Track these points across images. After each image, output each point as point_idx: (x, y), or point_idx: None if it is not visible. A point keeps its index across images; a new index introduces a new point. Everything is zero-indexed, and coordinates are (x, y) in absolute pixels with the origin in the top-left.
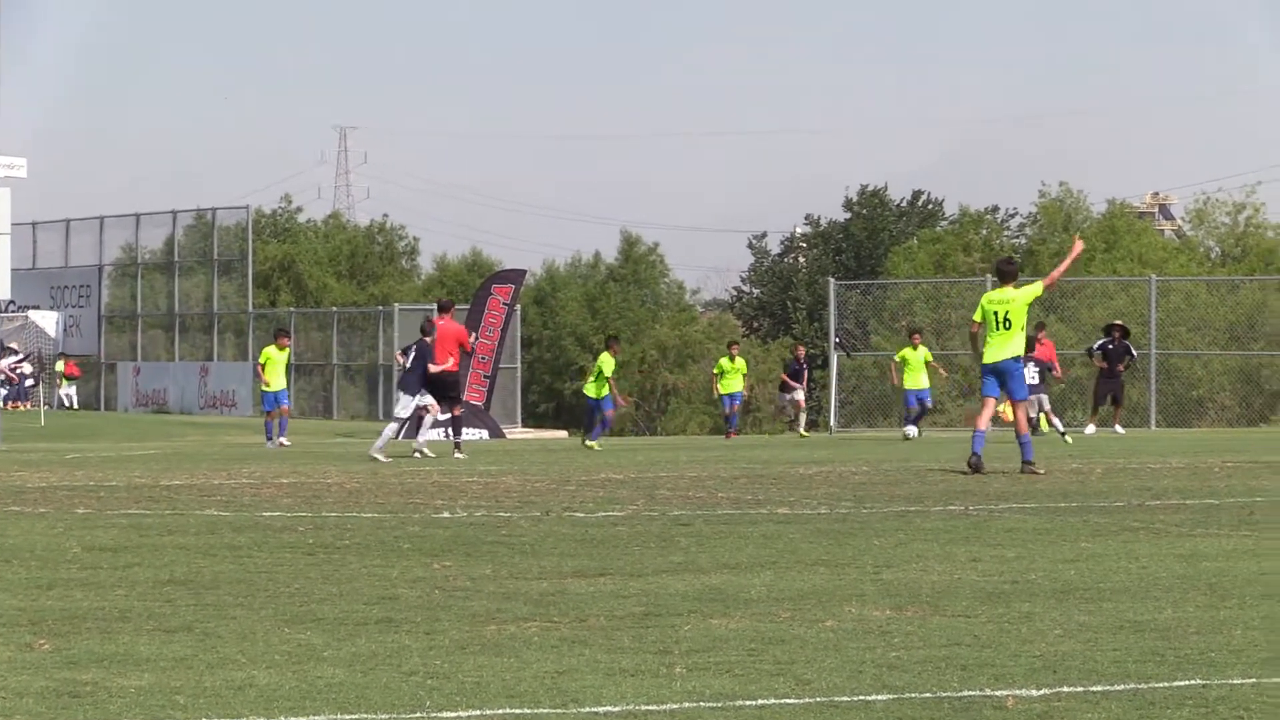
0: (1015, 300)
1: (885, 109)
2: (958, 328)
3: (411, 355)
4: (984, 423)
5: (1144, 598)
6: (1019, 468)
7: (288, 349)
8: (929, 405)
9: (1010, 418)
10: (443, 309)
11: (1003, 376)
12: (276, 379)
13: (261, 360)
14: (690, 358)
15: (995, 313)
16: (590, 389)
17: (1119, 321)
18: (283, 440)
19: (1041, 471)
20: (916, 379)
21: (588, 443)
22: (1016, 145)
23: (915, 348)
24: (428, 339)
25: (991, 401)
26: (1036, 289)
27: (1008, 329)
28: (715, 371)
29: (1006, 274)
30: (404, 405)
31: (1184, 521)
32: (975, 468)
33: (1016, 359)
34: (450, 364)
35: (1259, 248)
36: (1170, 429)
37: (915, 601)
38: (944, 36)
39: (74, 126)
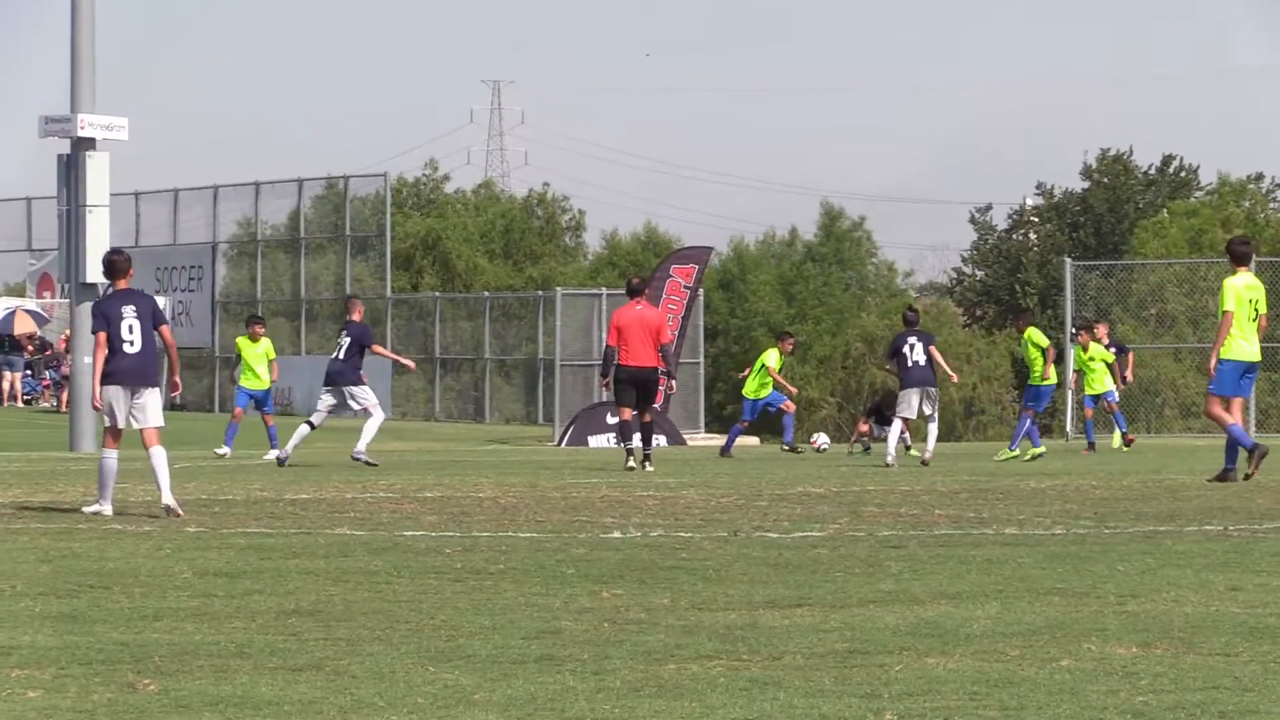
0: (1261, 290)
1: (1134, 55)
2: (1215, 317)
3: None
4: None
5: None
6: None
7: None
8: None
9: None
10: (635, 291)
11: (1247, 376)
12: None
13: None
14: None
15: (1251, 300)
16: (749, 388)
17: None
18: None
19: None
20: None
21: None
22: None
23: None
24: None
25: (1240, 402)
26: None
27: (1254, 321)
28: (1076, 369)
29: (1246, 256)
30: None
31: None
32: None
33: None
34: (649, 358)
35: None
36: None
37: (1166, 637)
38: None
39: (184, 81)
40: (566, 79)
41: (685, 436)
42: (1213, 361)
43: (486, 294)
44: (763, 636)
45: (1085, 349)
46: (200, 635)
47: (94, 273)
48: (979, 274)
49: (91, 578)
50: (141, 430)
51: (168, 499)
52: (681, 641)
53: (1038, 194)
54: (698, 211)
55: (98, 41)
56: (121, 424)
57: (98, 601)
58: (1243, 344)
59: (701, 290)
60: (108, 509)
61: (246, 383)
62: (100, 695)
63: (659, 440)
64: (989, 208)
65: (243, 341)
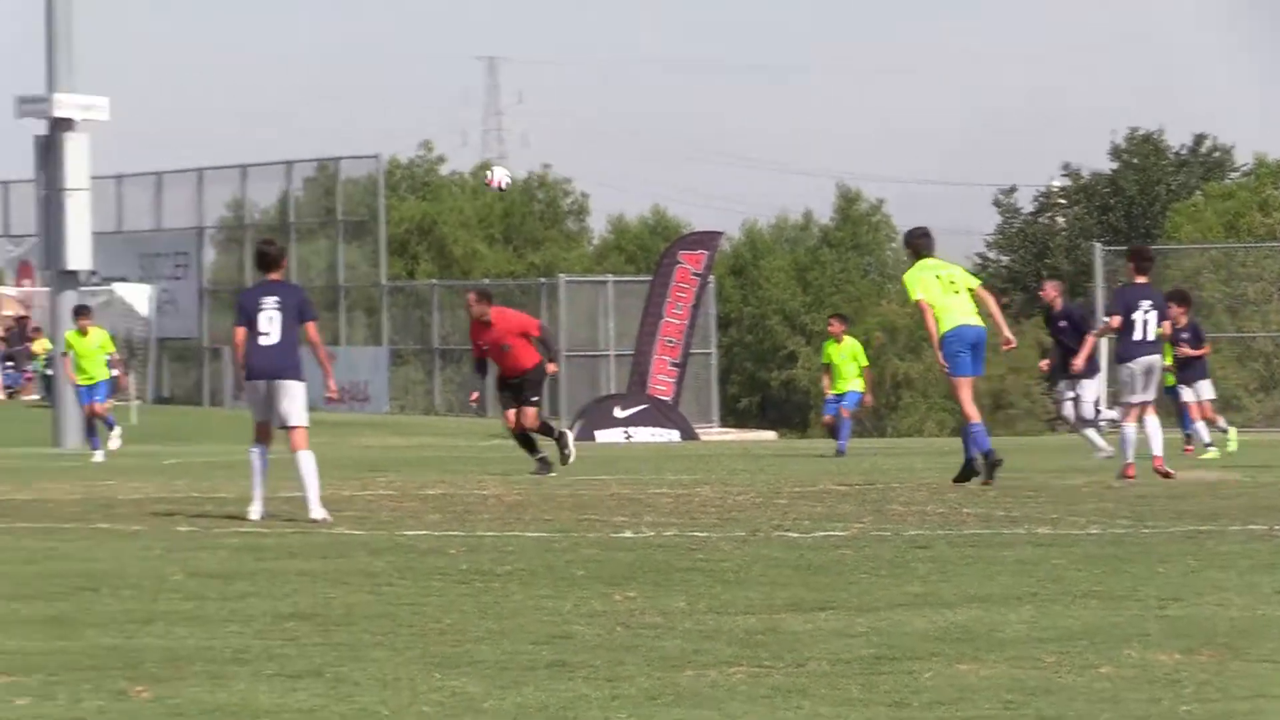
0: (953, 267)
1: (1168, 26)
2: (1257, 304)
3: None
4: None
5: None
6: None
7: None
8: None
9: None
10: (488, 297)
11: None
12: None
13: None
14: (925, 340)
15: (939, 276)
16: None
17: None
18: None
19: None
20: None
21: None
22: None
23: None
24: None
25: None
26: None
27: (959, 294)
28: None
29: (927, 248)
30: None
31: None
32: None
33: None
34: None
35: None
36: None
37: (1210, 643)
38: None
39: (167, 58)
40: (568, 55)
41: (699, 431)
42: (938, 354)
43: (486, 281)
44: (785, 642)
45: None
46: (194, 640)
47: (75, 259)
48: (1004, 260)
49: (79, 579)
50: (288, 433)
51: (317, 511)
52: (699, 647)
53: (1064, 175)
54: (708, 195)
55: (75, 16)
56: (261, 417)
57: (86, 604)
58: (954, 315)
59: (712, 277)
60: (254, 512)
61: (81, 379)
62: (91, 702)
63: (671, 435)
64: (1013, 190)
65: (73, 336)
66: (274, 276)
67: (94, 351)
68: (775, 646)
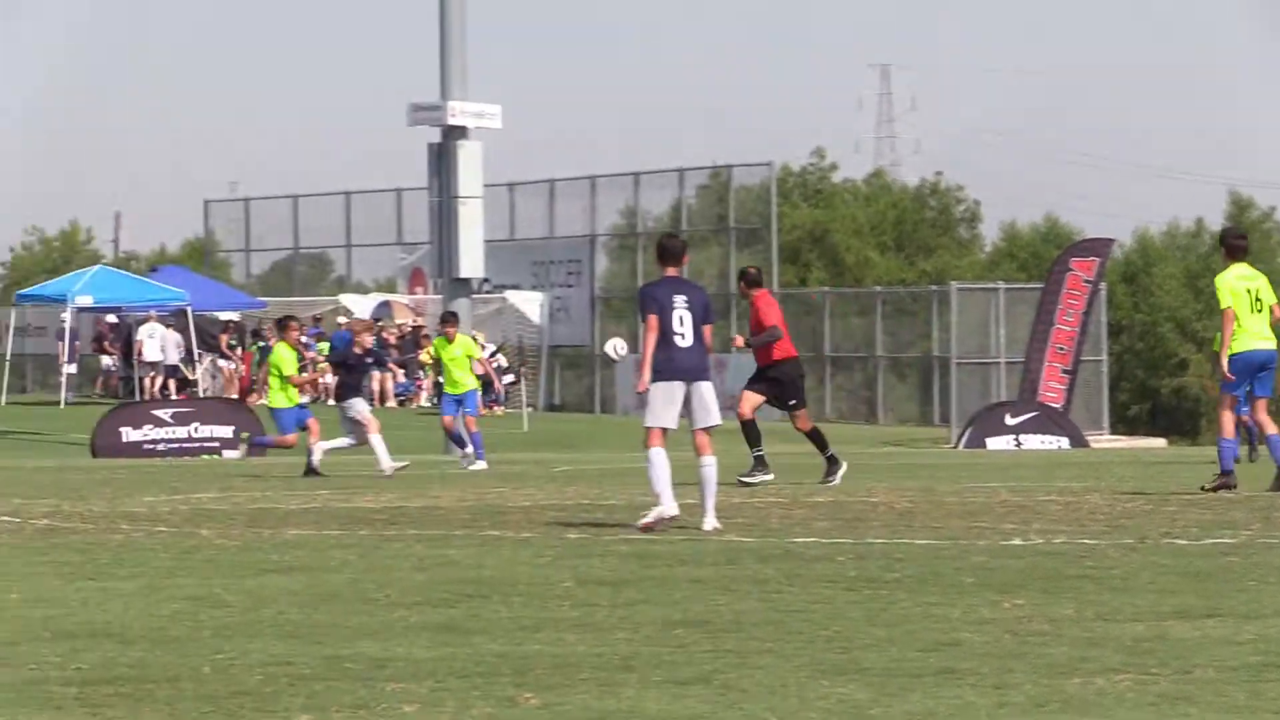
0: (1261, 279)
1: None
2: None
3: None
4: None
5: None
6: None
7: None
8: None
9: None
10: (750, 279)
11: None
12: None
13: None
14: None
15: (1249, 290)
16: None
17: None
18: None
19: None
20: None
21: None
22: None
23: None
24: None
25: (1263, 403)
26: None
27: (1259, 312)
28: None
29: (1241, 250)
30: None
31: None
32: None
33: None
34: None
35: None
36: None
37: None
38: None
39: (560, 67)
40: (960, 61)
41: (1089, 438)
42: (1224, 362)
43: (878, 288)
44: (1172, 649)
45: None
46: (583, 647)
47: (467, 267)
48: None
49: (469, 586)
50: (695, 435)
51: (710, 522)
52: (1087, 654)
53: None
54: (1099, 200)
55: (469, 24)
56: (674, 424)
57: (475, 611)
58: (1250, 336)
59: (1104, 284)
60: (670, 509)
61: (448, 388)
62: (479, 709)
63: (1061, 442)
64: None
65: (439, 343)
66: (673, 271)
67: (458, 359)
68: (1162, 653)
